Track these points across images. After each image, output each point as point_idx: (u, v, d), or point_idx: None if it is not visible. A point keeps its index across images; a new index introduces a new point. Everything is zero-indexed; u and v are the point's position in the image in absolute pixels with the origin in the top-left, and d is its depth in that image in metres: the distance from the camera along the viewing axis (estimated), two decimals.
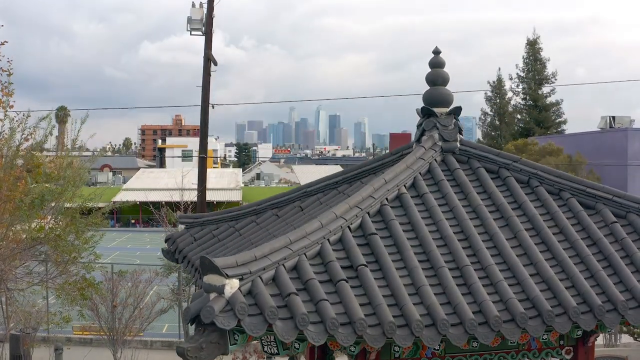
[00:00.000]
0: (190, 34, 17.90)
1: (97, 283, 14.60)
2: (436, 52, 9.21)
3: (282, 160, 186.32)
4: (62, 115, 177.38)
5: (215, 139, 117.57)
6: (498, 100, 59.69)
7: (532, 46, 54.45)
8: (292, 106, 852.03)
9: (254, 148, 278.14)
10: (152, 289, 17.81)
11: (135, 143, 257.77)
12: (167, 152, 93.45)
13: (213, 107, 17.75)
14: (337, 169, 75.94)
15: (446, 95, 9.02)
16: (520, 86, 55.42)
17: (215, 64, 18.27)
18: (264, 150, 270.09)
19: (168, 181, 66.87)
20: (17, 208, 12.94)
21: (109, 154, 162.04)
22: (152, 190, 62.99)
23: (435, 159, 8.62)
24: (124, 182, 68.56)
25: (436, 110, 8.91)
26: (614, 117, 40.80)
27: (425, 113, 8.97)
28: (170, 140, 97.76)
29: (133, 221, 60.96)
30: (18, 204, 12.88)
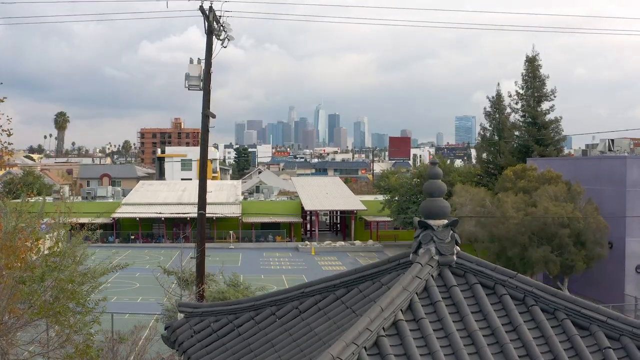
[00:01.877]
0: (188, 90, 18.01)
1: (97, 350, 14.69)
2: (433, 162, 9.32)
3: (282, 165, 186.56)
4: (61, 121, 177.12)
5: (215, 147, 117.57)
6: (497, 116, 59.81)
7: (532, 63, 54.44)
8: (292, 105, 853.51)
9: (253, 150, 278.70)
10: (152, 346, 17.86)
11: (134, 144, 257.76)
12: (167, 162, 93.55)
13: (212, 162, 17.86)
14: (337, 180, 76.00)
15: (443, 207, 9.11)
16: (520, 103, 55.48)
17: (214, 117, 18.36)
18: (263, 154, 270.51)
19: (167, 195, 67.06)
20: (17, 282, 13.02)
21: (108, 161, 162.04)
22: (152, 205, 63.07)
23: (431, 275, 8.72)
24: (124, 195, 68.63)
25: (433, 222, 9.00)
26: (612, 140, 40.94)
27: (422, 226, 9.06)
28: (169, 150, 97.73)
29: (133, 237, 61.05)
30: (18, 280, 12.97)
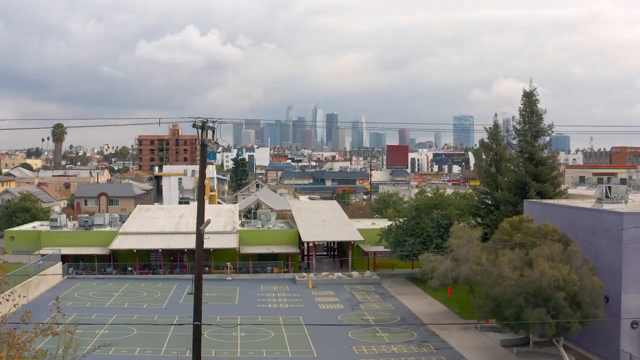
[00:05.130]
0: (182, 198, 17.96)
1: None
2: None
3: (279, 173, 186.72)
4: (58, 132, 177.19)
5: (211, 164, 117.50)
6: (494, 147, 59.84)
7: (529, 98, 54.45)
8: (290, 105, 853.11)
9: (251, 154, 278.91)
10: None
11: (132, 145, 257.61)
12: (164, 180, 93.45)
13: (208, 265, 17.80)
14: (334, 205, 76.01)
15: None
16: (517, 139, 55.56)
17: (209, 222, 18.28)
18: (261, 158, 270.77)
19: (165, 222, 67.08)
20: None
21: (108, 178, 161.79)
22: (149, 235, 63.00)
23: None
24: (121, 221, 68.54)
25: None
26: (609, 187, 40.88)
27: None
28: (166, 169, 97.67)
29: (130, 268, 60.99)
30: None
